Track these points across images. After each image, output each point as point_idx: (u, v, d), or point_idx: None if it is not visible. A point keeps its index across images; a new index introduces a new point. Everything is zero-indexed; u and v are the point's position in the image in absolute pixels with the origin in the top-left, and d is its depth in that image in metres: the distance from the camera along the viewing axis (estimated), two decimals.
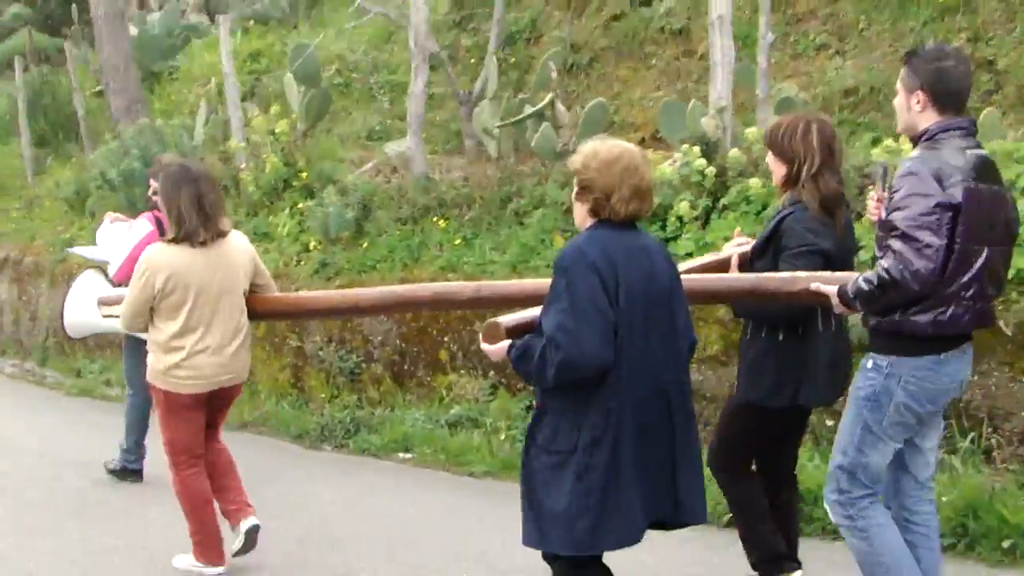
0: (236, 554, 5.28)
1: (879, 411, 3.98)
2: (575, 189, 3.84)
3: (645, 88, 9.18)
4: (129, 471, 6.97)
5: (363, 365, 8.29)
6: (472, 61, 10.58)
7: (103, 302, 5.69)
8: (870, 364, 4.00)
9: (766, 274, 4.34)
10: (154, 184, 6.44)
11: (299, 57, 9.39)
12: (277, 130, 9.47)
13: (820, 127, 4.39)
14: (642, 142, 8.81)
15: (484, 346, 3.85)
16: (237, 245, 5.27)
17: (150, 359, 5.21)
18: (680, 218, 6.78)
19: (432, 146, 9.48)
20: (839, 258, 4.28)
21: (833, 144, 4.40)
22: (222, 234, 5.17)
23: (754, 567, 4.63)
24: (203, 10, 15.80)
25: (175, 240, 5.09)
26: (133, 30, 14.13)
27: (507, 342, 3.77)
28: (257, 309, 5.30)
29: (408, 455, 7.29)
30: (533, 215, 7.86)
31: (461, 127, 9.55)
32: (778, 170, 4.48)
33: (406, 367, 8.09)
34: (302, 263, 8.96)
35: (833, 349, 4.42)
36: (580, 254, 3.65)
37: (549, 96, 7.74)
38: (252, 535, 5.28)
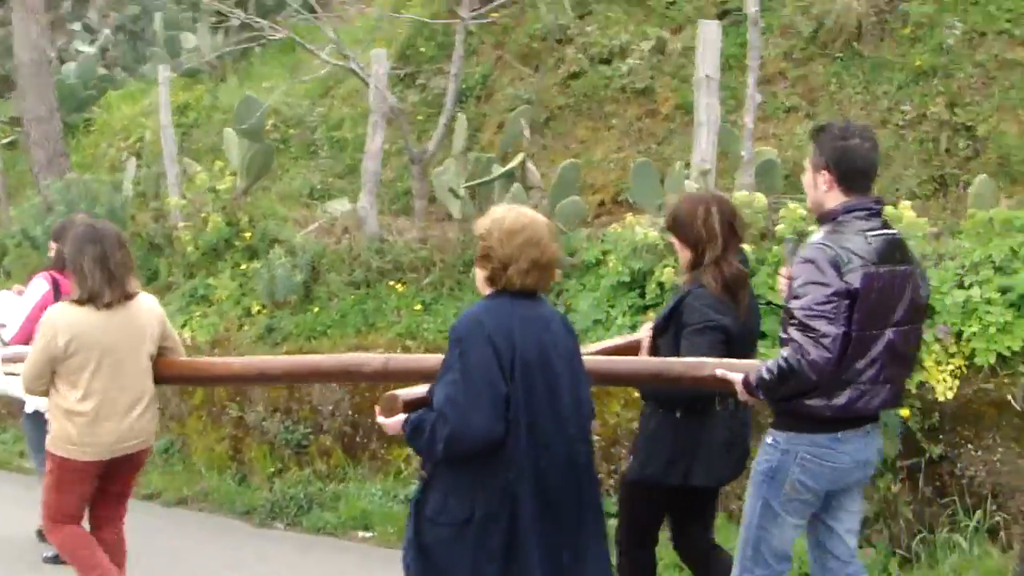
0: None
1: (776, 487, 3.98)
2: (477, 254, 3.80)
3: (606, 148, 8.91)
4: None
5: (311, 436, 7.78)
6: (420, 118, 10.24)
7: (6, 359, 5.56)
8: (769, 440, 4.03)
9: (672, 359, 4.36)
10: (54, 245, 6.42)
11: (248, 111, 8.92)
12: (220, 187, 8.97)
13: (720, 208, 4.43)
14: (601, 204, 8.55)
15: (380, 419, 3.79)
16: (145, 306, 5.14)
17: (51, 425, 5.03)
18: (661, 284, 6.48)
19: (380, 205, 9.12)
20: (740, 338, 4.32)
21: (735, 223, 4.45)
22: (129, 296, 5.03)
23: None
24: (116, 63, 15.22)
25: (79, 301, 4.94)
26: None
27: (403, 416, 3.69)
28: (163, 373, 5.17)
29: (368, 533, 6.85)
30: None
31: (412, 186, 9.17)
32: (683, 254, 4.51)
33: (358, 439, 7.60)
34: (245, 327, 8.43)
35: (730, 429, 4.46)
36: (476, 324, 3.61)
37: (520, 156, 7.41)
38: None
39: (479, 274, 3.80)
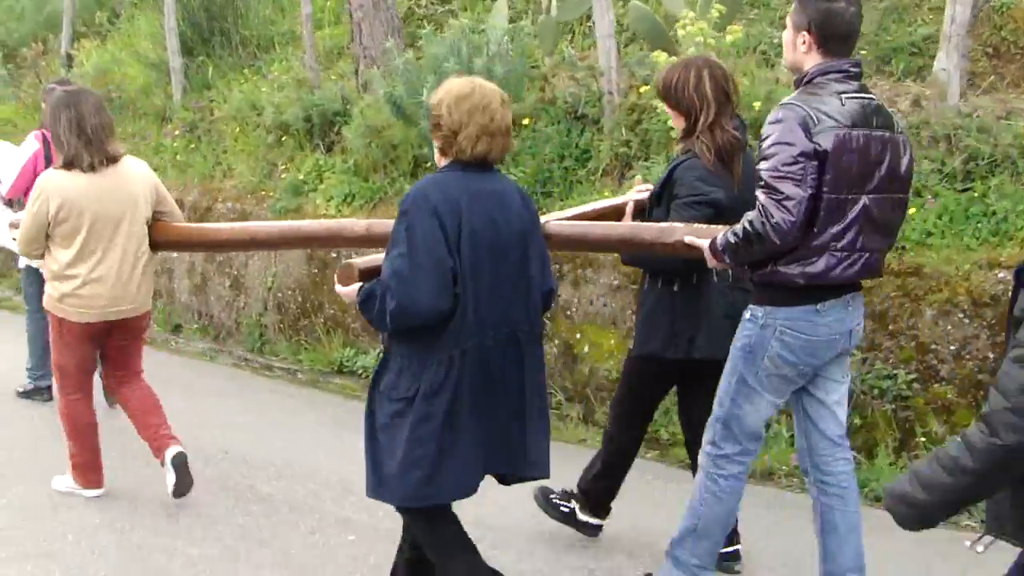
0: (173, 493, 5.18)
1: (753, 362, 3.87)
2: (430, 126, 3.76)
3: None
4: (39, 389, 7.09)
5: None
6: None
7: (13, 224, 5.60)
8: (747, 315, 3.91)
9: (643, 224, 4.30)
10: (44, 106, 6.46)
11: None
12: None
13: (712, 73, 4.29)
14: None
15: (337, 288, 3.78)
16: (135, 171, 5.19)
17: (47, 287, 5.18)
18: None
19: None
20: (734, 209, 4.04)
21: (728, 88, 4.30)
22: (112, 159, 5.08)
23: (581, 491, 4.77)
24: None
25: (65, 167, 5.03)
26: None
27: (358, 285, 3.68)
28: (156, 238, 5.22)
29: None
30: None
31: None
32: (676, 122, 4.40)
33: None
34: None
35: (731, 300, 4.30)
36: (423, 197, 3.53)
37: None
38: (178, 464, 5.18)
39: (435, 146, 3.75)
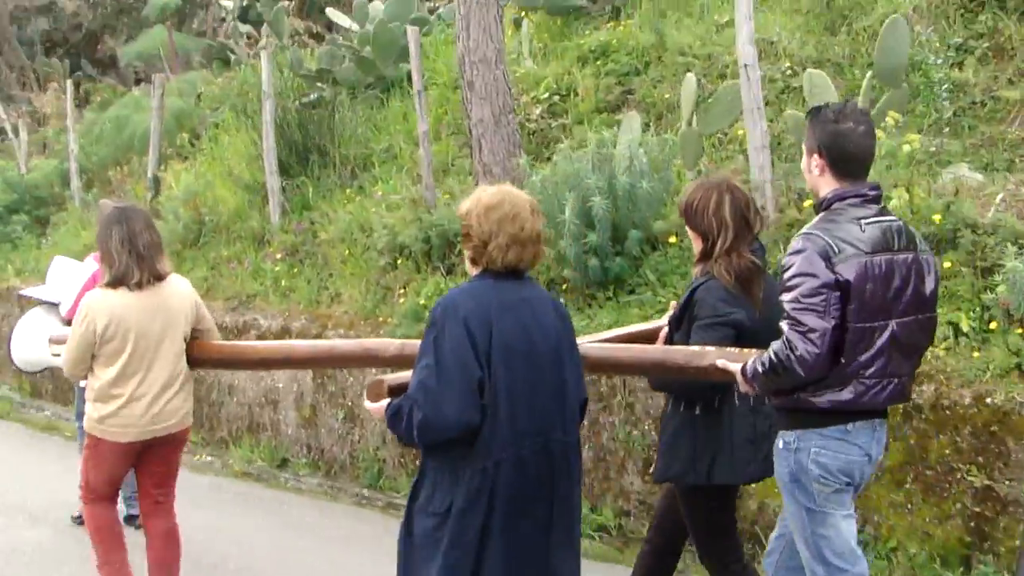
0: None
1: (806, 489, 3.80)
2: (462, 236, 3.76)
3: None
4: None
5: None
6: None
7: (53, 340, 5.64)
8: (780, 444, 3.87)
9: (674, 347, 4.26)
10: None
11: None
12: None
13: (734, 197, 4.26)
14: None
15: (366, 404, 3.74)
16: (178, 289, 5.19)
17: (87, 407, 5.12)
18: None
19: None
20: (755, 330, 4.07)
21: (748, 214, 4.27)
22: (159, 276, 5.08)
23: None
24: None
25: (111, 284, 5.00)
26: None
27: (387, 401, 3.64)
28: (195, 356, 5.22)
29: None
30: None
31: None
32: (696, 244, 4.38)
33: None
34: None
35: (754, 425, 4.26)
36: (452, 307, 3.49)
37: None
38: None
39: (465, 256, 3.75)
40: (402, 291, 8.54)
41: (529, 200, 3.71)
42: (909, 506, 5.53)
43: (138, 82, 20.66)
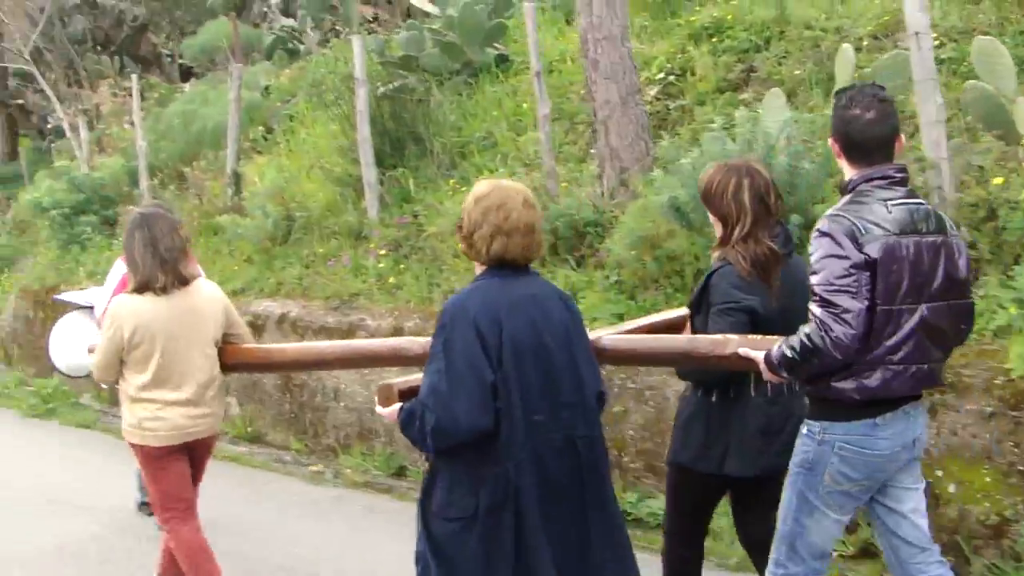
0: None
1: (813, 479, 3.77)
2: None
3: None
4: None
5: None
6: None
7: (91, 350, 5.50)
8: (804, 430, 3.82)
9: (698, 336, 4.18)
10: None
11: None
12: None
13: (753, 182, 4.16)
14: None
15: (377, 409, 3.69)
16: (206, 293, 5.16)
17: (123, 412, 5.10)
18: None
19: None
20: (770, 318, 4.02)
21: (768, 198, 4.18)
22: (185, 281, 5.03)
23: None
24: None
25: (137, 290, 4.98)
26: None
27: (398, 405, 3.58)
28: (227, 361, 5.18)
29: None
30: None
31: None
32: (716, 228, 4.30)
33: None
34: None
35: (768, 416, 4.18)
36: (461, 309, 3.45)
37: None
38: None
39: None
40: None
41: (523, 192, 3.61)
42: None
43: (185, 78, 20.32)
